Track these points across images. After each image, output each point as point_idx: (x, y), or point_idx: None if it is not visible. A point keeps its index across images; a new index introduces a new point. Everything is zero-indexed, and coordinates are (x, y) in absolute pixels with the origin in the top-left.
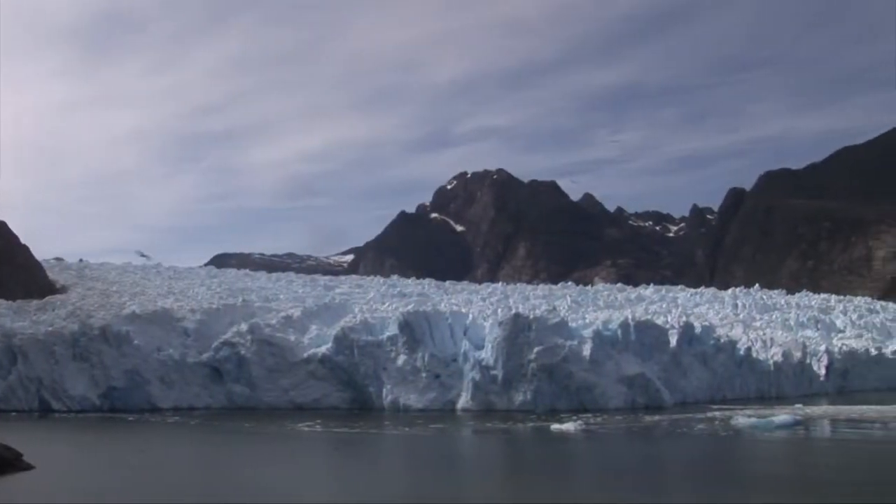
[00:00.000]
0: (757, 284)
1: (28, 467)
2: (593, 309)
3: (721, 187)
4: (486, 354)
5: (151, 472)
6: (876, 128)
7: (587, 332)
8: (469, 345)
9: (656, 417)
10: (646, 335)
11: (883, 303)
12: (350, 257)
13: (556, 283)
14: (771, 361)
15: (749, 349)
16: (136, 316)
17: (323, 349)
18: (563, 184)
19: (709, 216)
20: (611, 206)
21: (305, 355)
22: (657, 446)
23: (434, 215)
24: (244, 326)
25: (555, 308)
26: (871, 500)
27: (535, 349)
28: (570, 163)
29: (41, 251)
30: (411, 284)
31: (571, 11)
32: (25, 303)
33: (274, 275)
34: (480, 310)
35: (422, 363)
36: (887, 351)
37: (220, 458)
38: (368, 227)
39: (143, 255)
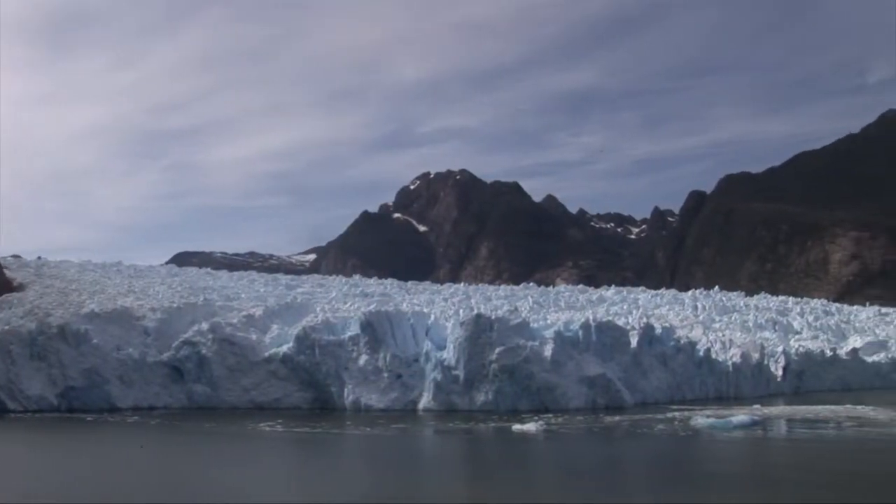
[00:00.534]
0: (717, 286)
1: None
2: (555, 310)
3: (682, 190)
4: (448, 355)
5: (108, 473)
6: (833, 133)
7: (549, 333)
8: (431, 345)
9: (617, 418)
10: (607, 336)
11: (838, 305)
12: (312, 256)
13: (518, 283)
14: (730, 362)
15: (708, 350)
16: (96, 315)
17: (284, 349)
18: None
19: (670, 218)
20: (573, 208)
21: (267, 355)
22: (618, 446)
23: (397, 215)
24: (205, 325)
25: (516, 309)
26: (823, 497)
27: (497, 350)
28: (532, 164)
29: None
30: (373, 284)
31: (535, 14)
32: None
33: (235, 274)
34: (442, 310)
35: (383, 363)
36: (842, 352)
37: (179, 458)
38: (331, 226)
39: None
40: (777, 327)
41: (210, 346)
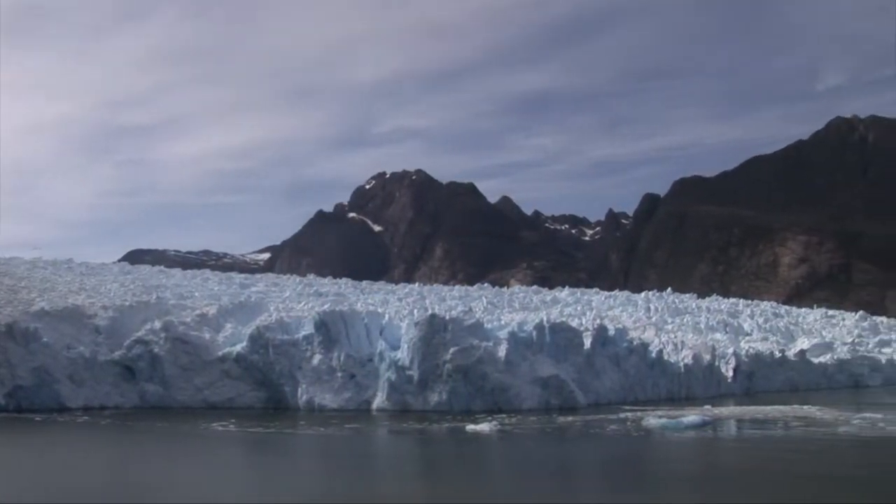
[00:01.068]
0: (669, 288)
1: None
2: (509, 311)
3: (636, 193)
4: (402, 355)
5: (53, 474)
6: (784, 139)
7: (503, 334)
8: (385, 345)
9: (570, 418)
10: (560, 337)
11: (787, 307)
12: (267, 255)
13: (472, 284)
14: (681, 363)
15: (661, 351)
16: (46, 313)
17: (238, 348)
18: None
19: (624, 221)
20: (528, 209)
21: (220, 354)
22: (571, 447)
23: (352, 215)
24: (158, 324)
25: (471, 309)
26: (770, 496)
27: (451, 350)
28: (488, 165)
29: None
30: (328, 284)
31: (493, 16)
32: None
33: (189, 272)
34: (397, 310)
35: (337, 363)
36: (790, 354)
37: (129, 459)
38: (285, 225)
39: (35, 248)
40: (728, 329)
41: (163, 345)
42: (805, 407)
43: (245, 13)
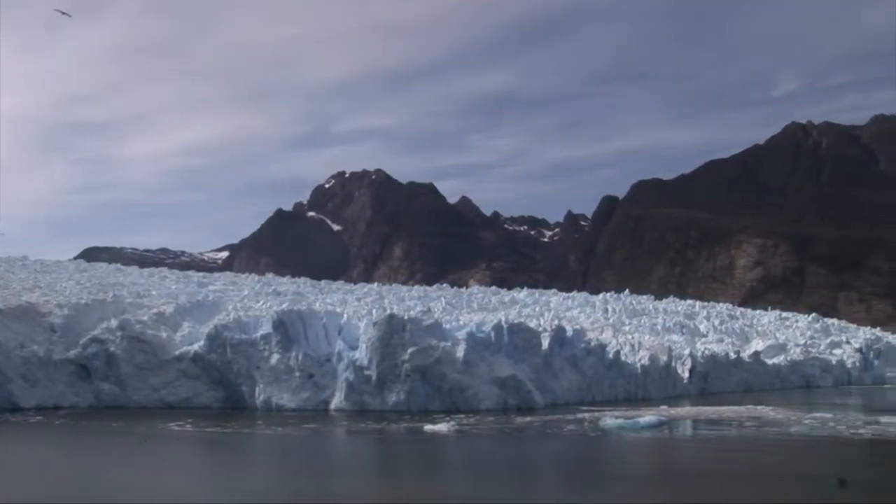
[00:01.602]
0: (627, 290)
1: None
2: (467, 311)
3: (595, 195)
4: (361, 354)
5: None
6: (740, 143)
7: (461, 334)
8: (343, 345)
9: (528, 418)
10: (518, 338)
11: (742, 309)
12: (225, 254)
13: (431, 284)
14: (638, 364)
15: (618, 352)
16: None
17: (195, 347)
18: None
19: (582, 222)
20: (487, 210)
21: (177, 353)
22: (529, 446)
23: (311, 214)
24: (114, 322)
25: (429, 309)
26: (724, 494)
27: (409, 350)
28: (447, 165)
29: None
30: (286, 283)
31: (452, 16)
32: None
33: (146, 270)
34: (355, 310)
35: (295, 362)
36: (745, 355)
37: (82, 459)
38: (244, 223)
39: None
40: (684, 330)
41: (119, 344)
42: (759, 407)
43: (204, 10)
